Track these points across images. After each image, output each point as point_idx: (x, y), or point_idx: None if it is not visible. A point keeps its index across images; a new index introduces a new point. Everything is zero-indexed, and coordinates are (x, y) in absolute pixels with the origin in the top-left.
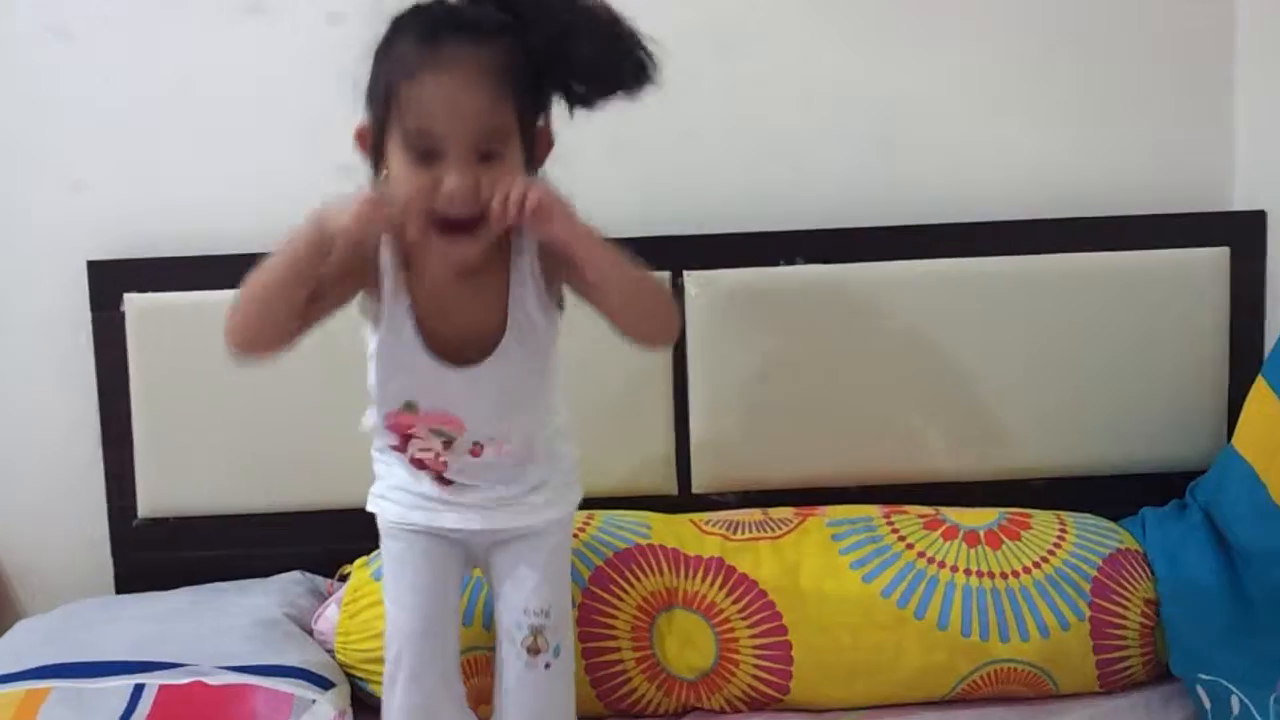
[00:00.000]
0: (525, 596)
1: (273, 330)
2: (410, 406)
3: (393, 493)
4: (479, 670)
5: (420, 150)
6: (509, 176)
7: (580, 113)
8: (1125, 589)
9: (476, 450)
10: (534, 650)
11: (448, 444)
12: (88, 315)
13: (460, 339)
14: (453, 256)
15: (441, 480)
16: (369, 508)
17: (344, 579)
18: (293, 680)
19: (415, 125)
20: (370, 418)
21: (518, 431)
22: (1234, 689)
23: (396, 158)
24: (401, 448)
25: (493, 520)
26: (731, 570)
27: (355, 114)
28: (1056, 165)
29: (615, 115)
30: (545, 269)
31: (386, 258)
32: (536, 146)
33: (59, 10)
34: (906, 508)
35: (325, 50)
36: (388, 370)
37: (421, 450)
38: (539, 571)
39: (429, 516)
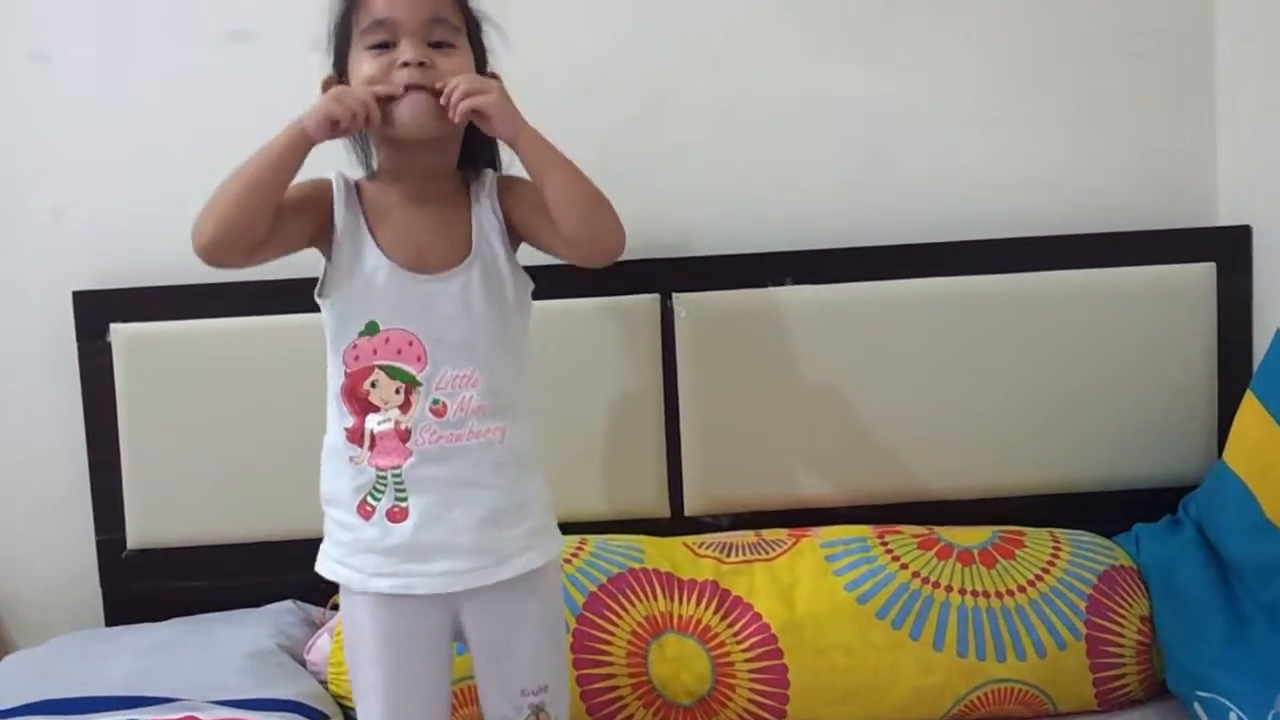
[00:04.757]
0: (520, 676)
1: (242, 228)
2: (371, 328)
3: (353, 558)
4: (469, 701)
5: (378, 43)
6: (456, 75)
7: (565, 133)
8: (1121, 606)
9: (440, 409)
10: None
11: (407, 404)
12: (73, 345)
13: (422, 262)
14: (411, 122)
15: (402, 508)
16: (323, 571)
17: (336, 608)
18: (286, 714)
19: (372, 20)
20: (329, 435)
21: (481, 375)
22: (1232, 706)
23: (359, 65)
24: (359, 432)
25: (469, 574)
26: (726, 593)
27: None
28: (1044, 183)
29: (602, 132)
30: (504, 205)
31: (340, 190)
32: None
33: (43, 36)
34: (900, 527)
35: (310, 76)
36: (345, 279)
37: (381, 423)
38: (529, 645)
39: (399, 584)
